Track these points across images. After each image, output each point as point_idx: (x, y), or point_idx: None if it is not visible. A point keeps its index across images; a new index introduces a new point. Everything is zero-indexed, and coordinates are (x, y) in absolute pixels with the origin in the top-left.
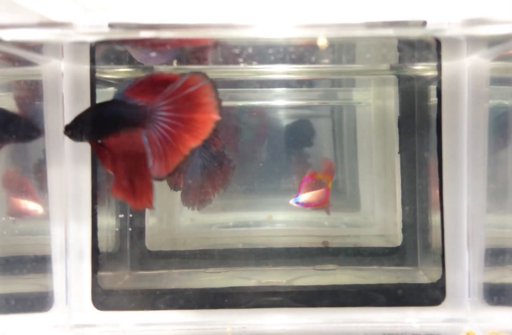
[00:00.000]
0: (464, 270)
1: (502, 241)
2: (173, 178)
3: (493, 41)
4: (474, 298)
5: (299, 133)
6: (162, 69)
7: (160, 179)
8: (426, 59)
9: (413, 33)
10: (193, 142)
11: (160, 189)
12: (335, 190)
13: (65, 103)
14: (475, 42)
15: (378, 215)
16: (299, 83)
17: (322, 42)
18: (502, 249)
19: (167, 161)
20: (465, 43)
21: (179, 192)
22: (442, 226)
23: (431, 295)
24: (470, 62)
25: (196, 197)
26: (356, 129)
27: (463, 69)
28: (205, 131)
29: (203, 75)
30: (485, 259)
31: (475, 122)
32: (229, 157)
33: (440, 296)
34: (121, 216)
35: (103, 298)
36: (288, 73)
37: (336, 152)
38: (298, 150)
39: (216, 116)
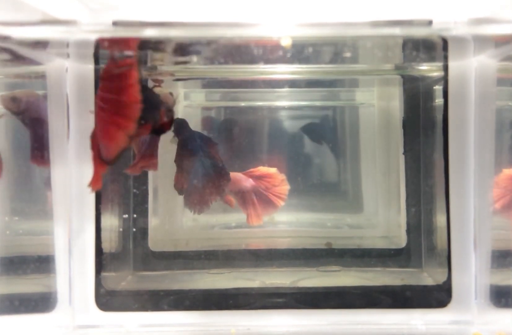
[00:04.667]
0: (471, 272)
1: (509, 242)
2: (179, 183)
3: (500, 41)
4: (481, 300)
5: (302, 135)
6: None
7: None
8: (431, 59)
9: (418, 32)
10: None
11: (163, 190)
12: (338, 191)
13: (69, 102)
14: (482, 42)
15: (381, 216)
16: (301, 84)
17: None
18: (509, 250)
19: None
20: (472, 43)
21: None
22: (448, 227)
23: (437, 297)
24: (477, 62)
25: (196, 201)
26: (359, 130)
27: (470, 70)
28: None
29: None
30: (492, 261)
31: (482, 123)
32: (227, 170)
33: (446, 298)
34: (125, 216)
35: (107, 299)
36: (291, 73)
37: (339, 153)
38: (300, 151)
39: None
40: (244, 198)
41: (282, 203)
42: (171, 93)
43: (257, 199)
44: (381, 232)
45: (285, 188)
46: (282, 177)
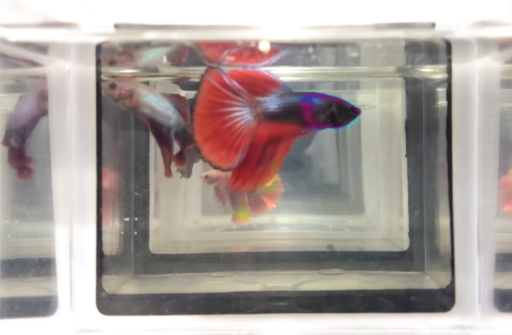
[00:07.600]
0: (474, 276)
1: None
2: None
3: (504, 44)
4: (485, 305)
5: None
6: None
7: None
8: (434, 62)
9: (421, 35)
10: None
11: (163, 191)
12: (340, 193)
13: (71, 104)
14: (486, 44)
15: (383, 219)
16: (303, 86)
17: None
18: None
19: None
20: (475, 45)
21: (181, 195)
22: (451, 230)
23: (440, 301)
24: (481, 65)
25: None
26: (360, 132)
27: (474, 72)
28: None
29: None
30: (496, 264)
31: (485, 125)
32: None
33: (450, 302)
34: (126, 219)
35: (108, 302)
36: (292, 75)
37: (340, 155)
38: (301, 153)
39: None
40: (235, 196)
41: (273, 206)
42: None
43: (248, 198)
44: (383, 235)
45: (278, 190)
46: (276, 178)
